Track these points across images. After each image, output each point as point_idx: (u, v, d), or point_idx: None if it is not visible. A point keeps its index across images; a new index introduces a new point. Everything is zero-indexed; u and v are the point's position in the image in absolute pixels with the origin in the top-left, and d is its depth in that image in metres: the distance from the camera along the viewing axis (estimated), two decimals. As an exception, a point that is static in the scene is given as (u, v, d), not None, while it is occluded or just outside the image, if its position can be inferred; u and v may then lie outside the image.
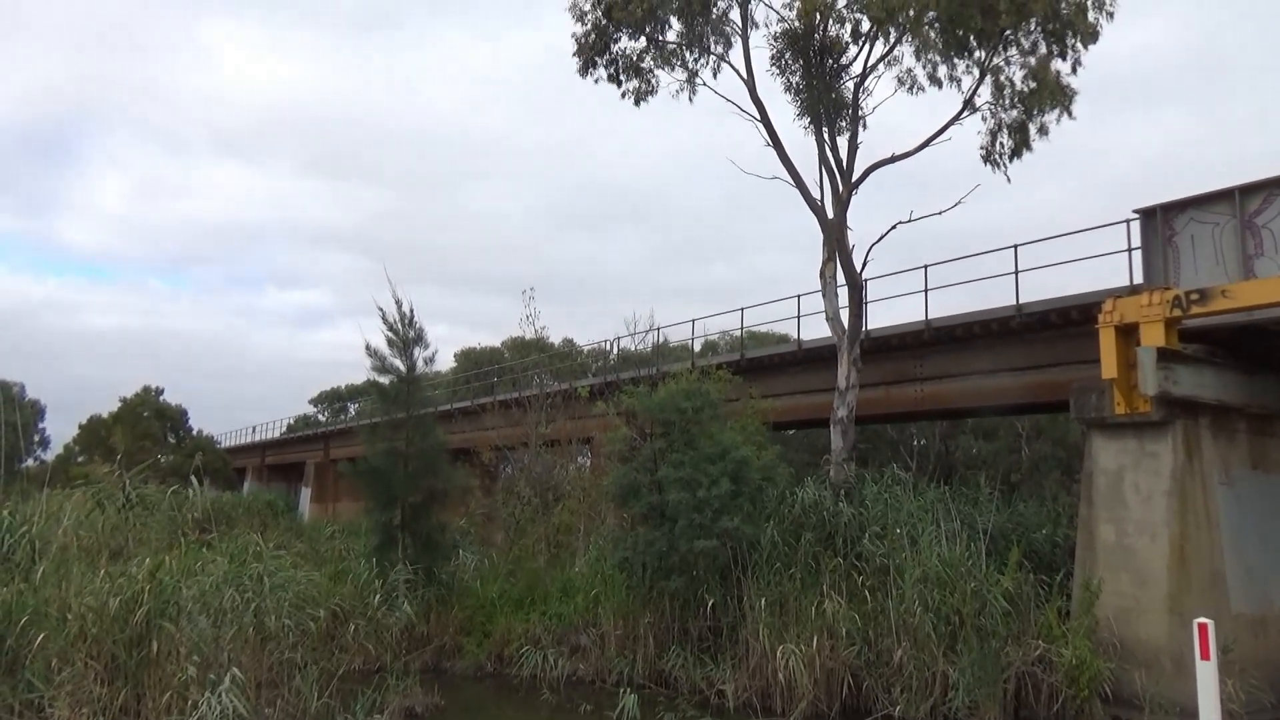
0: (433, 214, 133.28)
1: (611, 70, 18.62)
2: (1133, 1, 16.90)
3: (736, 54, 18.30)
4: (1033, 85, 16.09)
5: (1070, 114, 16.52)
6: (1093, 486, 12.69)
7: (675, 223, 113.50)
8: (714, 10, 17.85)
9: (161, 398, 64.60)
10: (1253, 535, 12.60)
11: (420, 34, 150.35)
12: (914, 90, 17.50)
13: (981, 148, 17.62)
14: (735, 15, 18.19)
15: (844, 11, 16.99)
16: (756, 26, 18.07)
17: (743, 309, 24.27)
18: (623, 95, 18.78)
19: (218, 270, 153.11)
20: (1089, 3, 15.71)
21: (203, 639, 10.03)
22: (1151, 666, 11.30)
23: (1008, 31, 15.57)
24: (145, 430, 59.62)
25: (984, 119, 17.33)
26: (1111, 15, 15.78)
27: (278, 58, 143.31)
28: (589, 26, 18.21)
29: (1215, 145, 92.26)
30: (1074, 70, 16.23)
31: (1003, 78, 16.63)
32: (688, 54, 18.52)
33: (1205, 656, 8.37)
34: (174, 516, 15.03)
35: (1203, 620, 8.38)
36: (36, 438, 67.17)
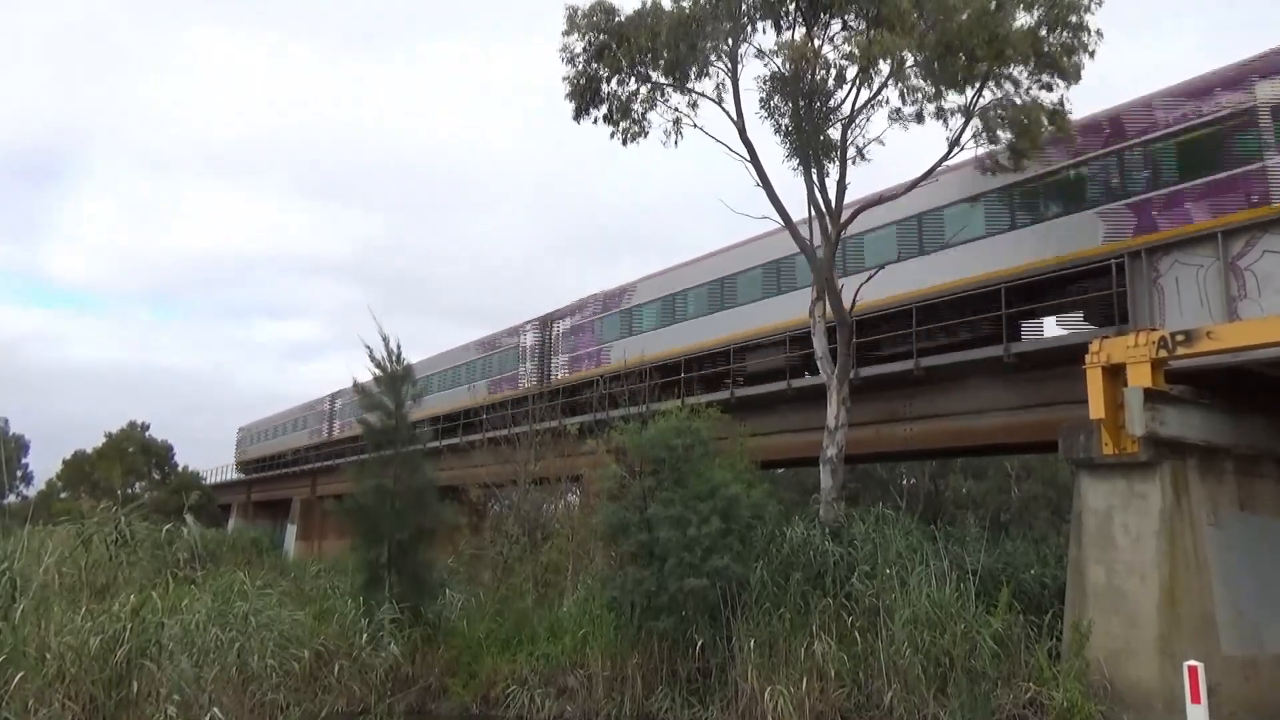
0: (426, 242, 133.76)
1: (605, 112, 18.75)
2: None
3: (726, 96, 18.49)
4: (1024, 122, 16.25)
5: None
6: (1082, 527, 12.68)
7: (674, 251, 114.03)
8: (701, 53, 18.00)
9: (147, 433, 64.32)
10: (1242, 576, 12.59)
11: (415, 56, 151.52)
12: (891, 121, 17.59)
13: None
14: (725, 60, 18.37)
15: (829, 58, 17.19)
16: (745, 65, 18.26)
17: (732, 347, 24.27)
18: (612, 135, 18.92)
19: (207, 300, 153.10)
20: (1075, 43, 15.93)
21: (184, 679, 9.87)
22: (1142, 709, 11.22)
23: (992, 66, 15.74)
24: (130, 466, 59.25)
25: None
26: (1093, 54, 16.00)
27: (270, 79, 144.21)
28: (579, 69, 18.36)
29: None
30: (1061, 103, 16.46)
31: (991, 115, 16.79)
32: (675, 96, 18.67)
33: (1196, 700, 8.33)
34: (160, 555, 14.85)
35: (1193, 663, 8.36)
36: (20, 473, 66.66)
